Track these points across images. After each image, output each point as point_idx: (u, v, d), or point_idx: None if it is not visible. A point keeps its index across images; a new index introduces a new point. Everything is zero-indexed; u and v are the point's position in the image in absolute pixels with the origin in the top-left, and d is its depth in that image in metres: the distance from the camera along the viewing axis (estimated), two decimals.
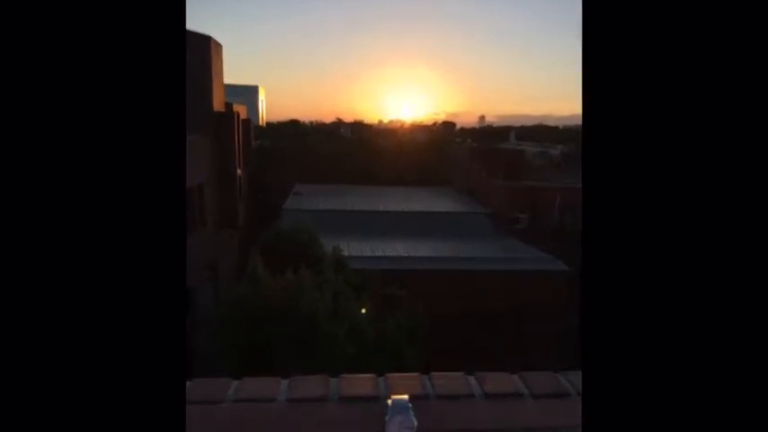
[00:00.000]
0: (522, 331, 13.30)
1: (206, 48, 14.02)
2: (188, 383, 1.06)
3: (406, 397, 0.89)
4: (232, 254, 15.05)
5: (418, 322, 10.14)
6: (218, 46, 15.26)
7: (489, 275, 15.45)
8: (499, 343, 12.73)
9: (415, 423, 0.84)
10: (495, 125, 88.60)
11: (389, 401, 0.88)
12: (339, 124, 55.79)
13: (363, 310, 9.58)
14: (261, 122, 55.94)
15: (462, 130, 67.18)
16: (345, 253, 12.42)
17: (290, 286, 8.31)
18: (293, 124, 53.54)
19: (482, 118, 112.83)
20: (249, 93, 54.90)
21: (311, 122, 59.38)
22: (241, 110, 17.22)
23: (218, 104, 14.86)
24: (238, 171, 15.66)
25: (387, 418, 0.85)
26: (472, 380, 0.95)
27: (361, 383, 0.95)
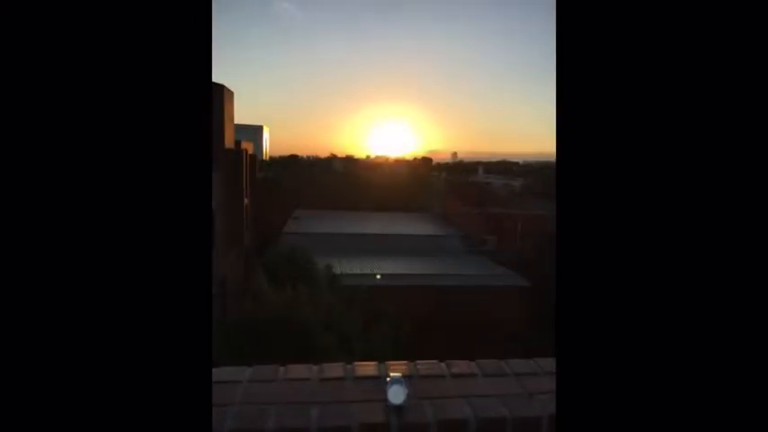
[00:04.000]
0: (488, 332, 13.44)
1: (219, 95, 14.27)
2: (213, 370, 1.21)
3: (399, 374, 1.15)
4: (238, 271, 15.04)
5: (402, 333, 10.11)
6: (230, 93, 15.50)
7: (462, 289, 15.62)
8: (469, 343, 12.86)
9: (407, 391, 1.08)
10: (466, 161, 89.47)
11: (388, 378, 1.12)
12: (333, 159, 56.03)
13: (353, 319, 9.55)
14: (265, 157, 55.75)
15: (438, 164, 67.77)
16: (337, 270, 12.40)
17: (289, 301, 8.30)
18: (293, 159, 53.60)
19: (455, 154, 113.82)
20: (255, 131, 54.78)
21: (308, 157, 59.53)
22: (248, 146, 17.34)
23: (228, 142, 15.02)
24: (245, 200, 15.77)
25: (387, 387, 1.09)
26: (443, 365, 1.23)
27: (368, 367, 1.21)
